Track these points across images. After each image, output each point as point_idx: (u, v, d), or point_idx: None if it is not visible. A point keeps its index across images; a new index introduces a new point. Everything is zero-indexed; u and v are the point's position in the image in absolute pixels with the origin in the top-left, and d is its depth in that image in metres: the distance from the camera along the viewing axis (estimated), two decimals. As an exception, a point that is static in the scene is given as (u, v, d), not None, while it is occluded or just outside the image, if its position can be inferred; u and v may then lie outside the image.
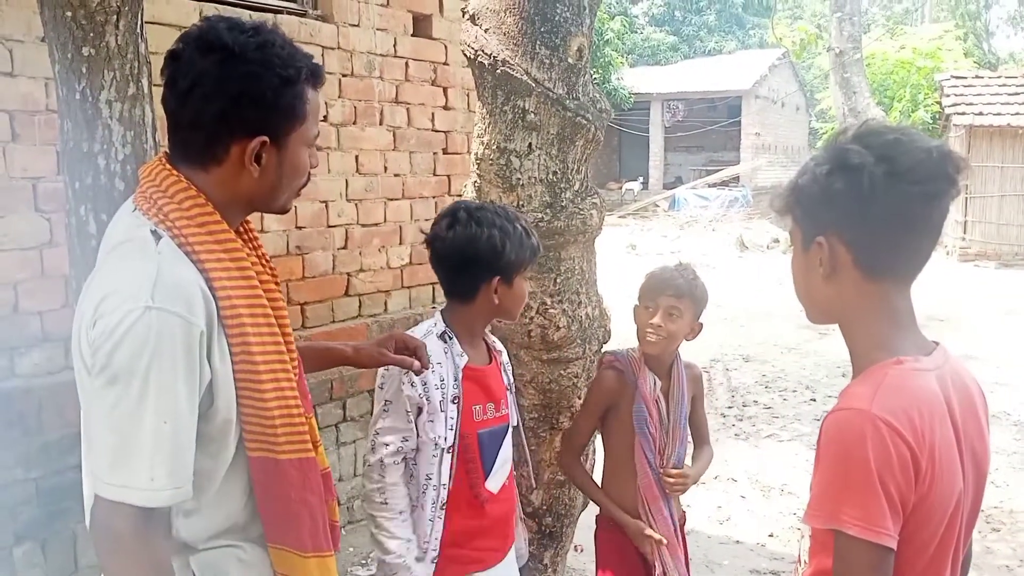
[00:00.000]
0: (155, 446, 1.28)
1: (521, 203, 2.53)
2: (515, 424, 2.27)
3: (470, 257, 2.06)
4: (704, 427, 2.64)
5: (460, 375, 2.07)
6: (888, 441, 1.25)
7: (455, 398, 2.05)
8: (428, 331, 2.11)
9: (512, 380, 2.30)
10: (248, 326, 1.39)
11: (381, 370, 2.07)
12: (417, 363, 1.91)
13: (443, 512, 2.06)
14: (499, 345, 2.29)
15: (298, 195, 1.53)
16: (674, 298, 2.36)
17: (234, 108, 1.35)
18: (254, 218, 3.56)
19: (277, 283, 1.57)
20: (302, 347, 1.81)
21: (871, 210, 1.31)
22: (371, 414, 2.21)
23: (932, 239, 1.36)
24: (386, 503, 2.03)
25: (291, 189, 1.48)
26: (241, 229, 1.54)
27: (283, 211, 1.54)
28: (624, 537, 2.52)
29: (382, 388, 2.08)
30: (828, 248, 1.36)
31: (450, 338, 2.10)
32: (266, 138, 1.38)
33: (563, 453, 2.64)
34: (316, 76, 1.45)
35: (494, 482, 2.15)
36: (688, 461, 2.60)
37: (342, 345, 2.01)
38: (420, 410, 2.04)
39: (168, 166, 1.41)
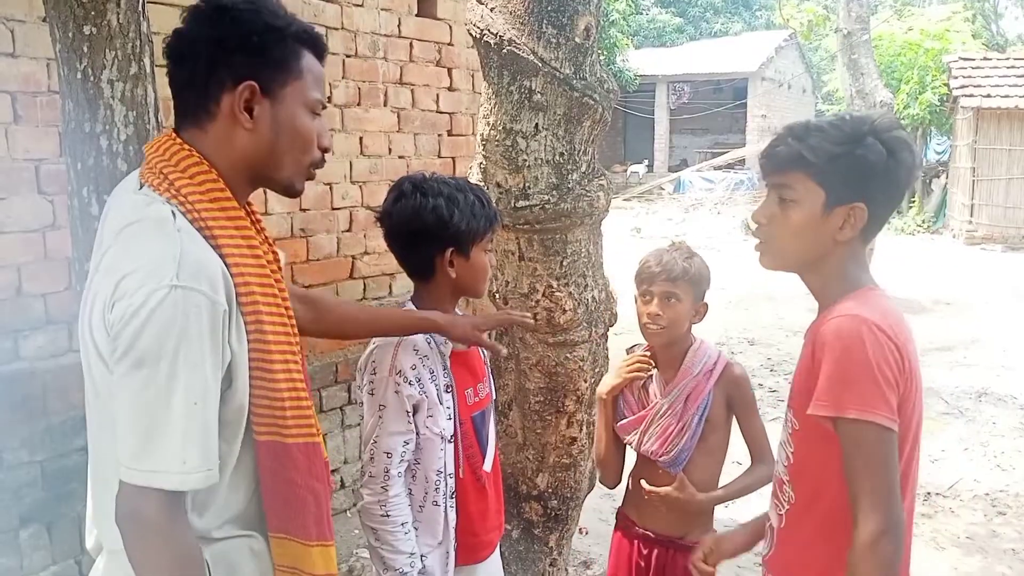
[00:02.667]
0: (186, 427, 1.26)
1: (527, 185, 2.51)
2: (494, 397, 2.25)
3: (418, 229, 1.97)
4: (760, 440, 2.30)
5: (448, 363, 2.03)
6: (880, 339, 1.47)
7: (448, 387, 2.02)
8: None
9: (487, 354, 2.24)
10: (261, 305, 1.38)
11: (367, 375, 1.98)
12: (505, 351, 1.86)
13: (454, 501, 2.04)
14: None
15: (311, 177, 1.49)
16: (669, 283, 2.22)
17: (221, 52, 1.36)
18: (258, 200, 3.54)
19: (278, 263, 1.55)
20: (381, 311, 1.80)
21: (902, 191, 1.59)
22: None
23: None
24: (388, 515, 1.94)
25: (294, 157, 1.44)
26: (247, 210, 1.52)
27: (290, 189, 1.49)
28: (631, 540, 2.39)
29: (372, 394, 1.96)
30: (852, 215, 1.56)
31: None
32: (253, 83, 1.36)
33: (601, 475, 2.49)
34: (312, 38, 1.44)
35: (488, 461, 2.14)
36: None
37: (432, 315, 1.98)
38: (417, 409, 1.96)
39: (177, 140, 1.40)
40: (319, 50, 1.46)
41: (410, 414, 1.96)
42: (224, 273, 1.32)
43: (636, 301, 2.30)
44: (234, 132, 1.39)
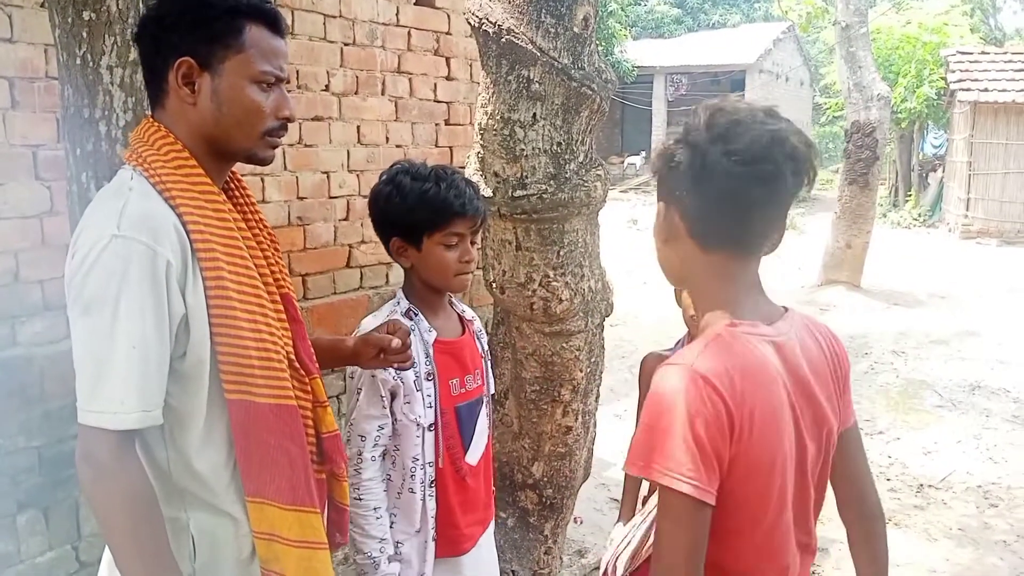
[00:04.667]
0: (126, 370, 1.33)
1: (525, 174, 2.51)
2: (492, 393, 2.23)
3: (374, 216, 2.06)
4: None
5: (431, 351, 2.02)
6: (704, 395, 1.29)
7: (429, 375, 2.01)
8: (391, 312, 2.05)
9: (487, 348, 2.24)
10: (222, 260, 1.42)
11: None
12: (398, 341, 1.82)
13: (433, 490, 2.03)
14: (470, 313, 2.23)
15: (273, 146, 1.52)
16: None
17: (160, 32, 1.44)
18: (255, 188, 3.53)
19: (277, 247, 1.60)
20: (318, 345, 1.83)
21: (702, 186, 1.37)
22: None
23: (770, 218, 1.40)
24: (360, 499, 1.95)
25: (245, 129, 1.47)
26: (236, 192, 1.58)
27: (253, 159, 1.52)
28: None
29: (352, 377, 2.01)
30: (664, 214, 1.44)
31: (415, 315, 2.04)
32: (189, 60, 1.43)
33: None
34: (260, 12, 1.47)
35: (474, 455, 2.12)
36: None
37: (343, 343, 1.96)
38: (394, 395, 1.98)
39: (150, 120, 1.49)
40: (272, 24, 1.49)
41: (385, 399, 1.97)
42: (178, 229, 1.39)
43: (679, 294, 2.37)
44: (182, 107, 1.46)
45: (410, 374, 1.98)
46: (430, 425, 2.01)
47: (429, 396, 2.01)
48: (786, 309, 1.50)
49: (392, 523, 2.03)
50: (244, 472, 1.47)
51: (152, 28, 1.45)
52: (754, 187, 1.34)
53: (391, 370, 1.94)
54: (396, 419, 1.99)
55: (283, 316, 1.53)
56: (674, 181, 1.41)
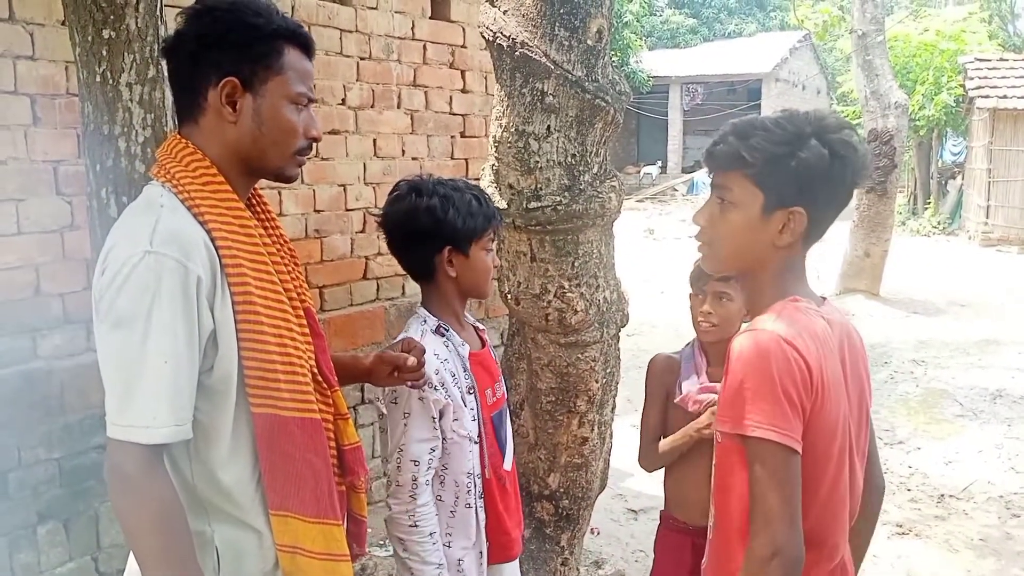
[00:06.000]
0: (156, 384, 1.34)
1: (539, 186, 2.52)
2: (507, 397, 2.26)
3: (413, 230, 1.99)
4: None
5: (468, 364, 2.03)
6: (788, 355, 1.41)
7: (470, 388, 2.02)
8: (420, 330, 2.02)
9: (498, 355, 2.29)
10: (250, 276, 1.44)
11: (389, 387, 1.97)
12: (413, 359, 1.81)
13: (482, 501, 2.04)
14: (478, 324, 2.24)
15: (300, 164, 1.56)
16: (721, 282, 2.30)
17: (202, 50, 1.45)
18: (272, 201, 3.56)
19: (296, 261, 1.62)
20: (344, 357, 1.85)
21: (842, 194, 1.51)
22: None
23: None
24: (416, 525, 1.92)
25: (280, 148, 1.51)
26: (257, 208, 1.60)
27: (281, 176, 1.55)
28: (684, 538, 2.43)
29: (396, 403, 1.96)
30: (794, 217, 1.49)
31: (446, 330, 2.04)
32: (234, 79, 1.44)
33: (639, 456, 2.56)
34: (296, 35, 1.50)
35: (508, 461, 2.16)
36: None
37: (359, 360, 1.95)
38: (442, 413, 1.96)
39: (178, 136, 1.51)
40: (305, 46, 1.52)
41: (435, 420, 1.95)
42: (207, 245, 1.41)
43: (690, 299, 2.39)
44: (221, 125, 1.48)
45: (456, 391, 1.97)
46: (476, 438, 2.02)
47: (472, 410, 2.02)
48: (824, 298, 1.62)
49: (449, 543, 2.01)
50: (269, 485, 1.48)
51: (191, 45, 1.46)
52: (851, 193, 1.54)
53: (439, 388, 1.93)
54: (446, 438, 1.97)
55: (306, 330, 1.55)
56: (822, 188, 1.48)
